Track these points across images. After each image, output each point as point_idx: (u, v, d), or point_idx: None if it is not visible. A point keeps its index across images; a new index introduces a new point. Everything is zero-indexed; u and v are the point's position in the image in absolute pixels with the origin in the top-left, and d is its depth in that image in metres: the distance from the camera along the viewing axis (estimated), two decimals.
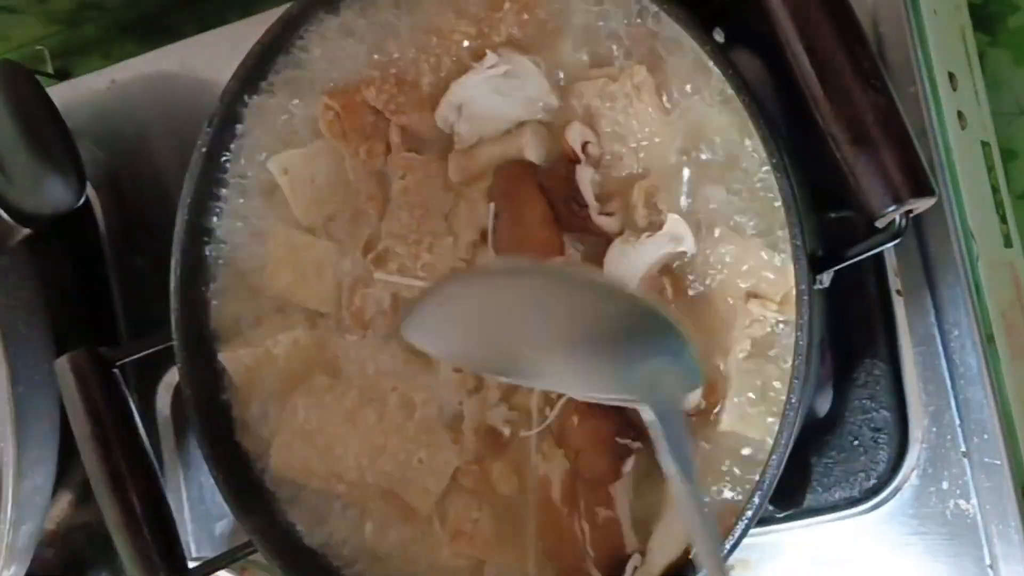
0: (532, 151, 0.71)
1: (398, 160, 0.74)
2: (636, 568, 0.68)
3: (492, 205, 0.72)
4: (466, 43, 0.72)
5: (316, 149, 0.76)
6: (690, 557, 0.66)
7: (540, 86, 0.71)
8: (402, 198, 0.73)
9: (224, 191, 0.78)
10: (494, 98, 0.71)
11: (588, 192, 0.69)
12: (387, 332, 0.75)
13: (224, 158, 0.77)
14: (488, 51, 0.71)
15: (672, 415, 0.55)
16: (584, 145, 0.69)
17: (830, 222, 0.70)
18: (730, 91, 0.63)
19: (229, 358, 0.77)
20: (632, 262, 0.67)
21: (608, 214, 0.69)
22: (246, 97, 0.76)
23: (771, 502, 0.69)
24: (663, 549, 0.67)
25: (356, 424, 0.74)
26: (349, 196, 0.76)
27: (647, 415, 0.55)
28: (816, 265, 0.61)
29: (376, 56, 0.75)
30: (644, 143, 0.69)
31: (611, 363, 0.54)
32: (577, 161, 0.69)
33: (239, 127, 0.77)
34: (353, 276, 0.75)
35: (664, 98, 0.68)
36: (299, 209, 0.76)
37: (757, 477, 0.63)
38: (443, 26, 0.72)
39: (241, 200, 0.78)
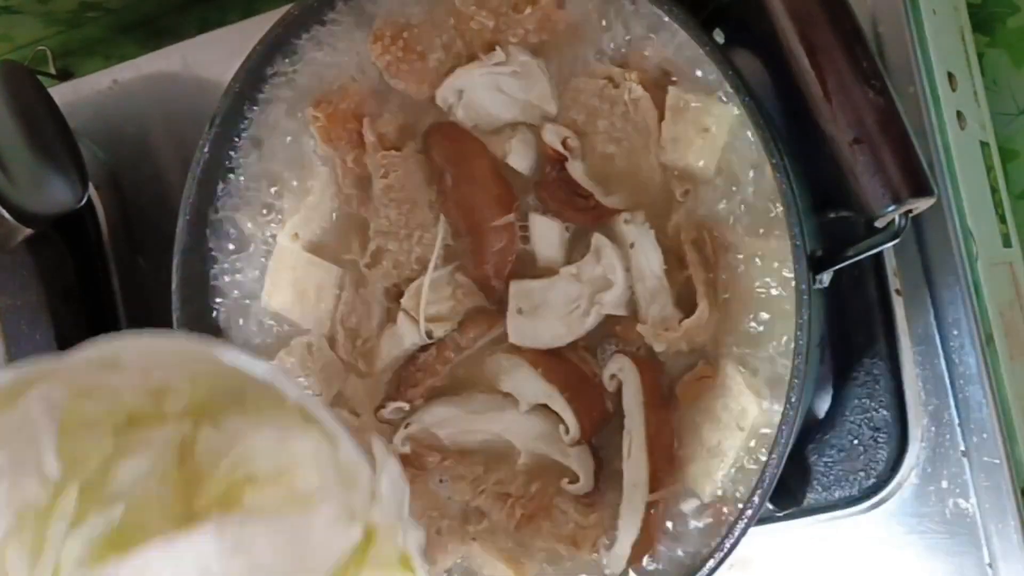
0: (516, 158, 0.71)
1: (377, 159, 0.73)
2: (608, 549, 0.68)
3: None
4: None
5: (311, 203, 0.76)
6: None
7: (542, 91, 0.70)
8: (386, 196, 0.73)
9: (226, 190, 0.78)
10: (495, 94, 0.71)
11: (587, 182, 0.69)
12: None
13: (226, 158, 0.77)
14: (497, 46, 0.71)
15: None
16: (564, 141, 0.69)
17: (830, 222, 0.70)
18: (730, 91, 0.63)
19: None
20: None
21: (612, 194, 0.69)
22: (249, 96, 0.77)
23: (771, 501, 0.69)
24: (627, 528, 0.67)
25: None
26: (354, 223, 0.75)
27: None
28: (816, 265, 0.62)
29: (392, 17, 0.74)
30: (635, 149, 0.69)
31: None
32: (563, 159, 0.69)
33: (242, 127, 0.77)
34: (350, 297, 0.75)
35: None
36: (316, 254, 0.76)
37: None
38: (463, 10, 0.72)
39: (242, 199, 0.78)
